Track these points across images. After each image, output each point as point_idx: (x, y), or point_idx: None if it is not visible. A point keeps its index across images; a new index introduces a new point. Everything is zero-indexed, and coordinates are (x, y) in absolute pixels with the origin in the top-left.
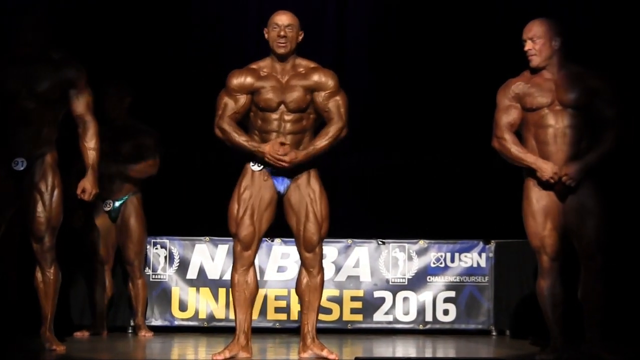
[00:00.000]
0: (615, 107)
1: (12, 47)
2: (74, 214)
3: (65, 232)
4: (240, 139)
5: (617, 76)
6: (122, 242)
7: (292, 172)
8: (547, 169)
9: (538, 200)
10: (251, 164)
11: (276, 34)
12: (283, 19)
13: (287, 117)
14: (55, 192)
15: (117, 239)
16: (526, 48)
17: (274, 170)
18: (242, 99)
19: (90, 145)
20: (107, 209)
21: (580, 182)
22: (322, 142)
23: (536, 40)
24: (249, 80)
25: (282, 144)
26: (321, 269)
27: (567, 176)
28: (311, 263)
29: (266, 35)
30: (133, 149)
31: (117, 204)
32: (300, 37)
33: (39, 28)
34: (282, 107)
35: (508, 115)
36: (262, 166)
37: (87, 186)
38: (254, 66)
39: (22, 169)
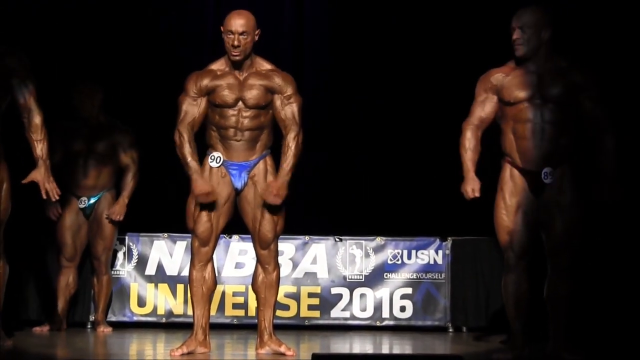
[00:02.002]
0: (602, 105)
1: None
2: (50, 207)
3: (31, 227)
4: (186, 157)
5: (602, 71)
6: (92, 236)
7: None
8: (467, 190)
9: (511, 195)
10: (209, 160)
11: (230, 43)
12: (237, 24)
13: (245, 114)
14: (4, 186)
15: (88, 236)
16: (514, 37)
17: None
18: (202, 103)
19: (37, 136)
20: (82, 206)
21: (559, 177)
22: (290, 160)
23: (525, 30)
24: (205, 82)
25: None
26: (277, 266)
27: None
28: (266, 260)
29: (223, 35)
30: (108, 147)
31: (91, 200)
32: (257, 36)
33: None
34: (240, 103)
35: (481, 109)
36: (220, 162)
37: (38, 178)
38: (211, 67)
39: None
